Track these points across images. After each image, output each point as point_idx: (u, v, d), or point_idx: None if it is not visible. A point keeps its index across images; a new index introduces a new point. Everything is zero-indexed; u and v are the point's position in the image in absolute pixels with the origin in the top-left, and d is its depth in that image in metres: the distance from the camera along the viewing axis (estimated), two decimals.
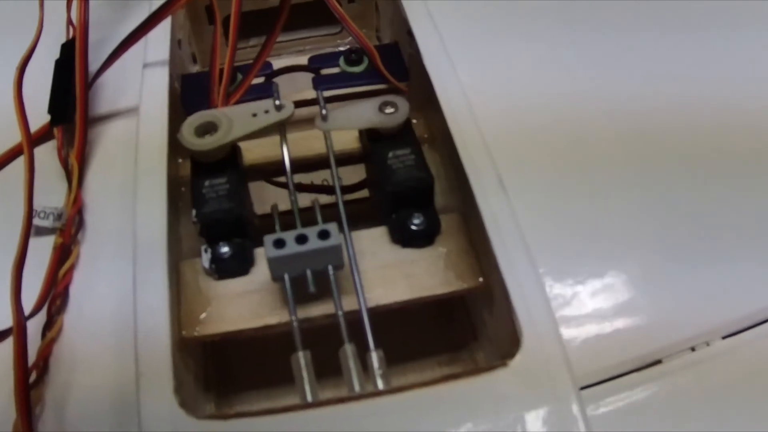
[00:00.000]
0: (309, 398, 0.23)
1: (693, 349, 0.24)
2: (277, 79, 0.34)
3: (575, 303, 0.25)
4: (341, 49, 0.40)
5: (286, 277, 0.24)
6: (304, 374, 0.23)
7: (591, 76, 0.31)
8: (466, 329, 0.31)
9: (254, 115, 0.27)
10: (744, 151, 0.29)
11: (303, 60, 0.36)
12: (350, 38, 0.40)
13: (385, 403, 0.22)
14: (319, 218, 0.26)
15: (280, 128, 0.28)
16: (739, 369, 0.24)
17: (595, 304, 0.25)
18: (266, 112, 0.27)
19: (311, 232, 0.24)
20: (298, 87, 0.35)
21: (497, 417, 0.21)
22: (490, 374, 0.22)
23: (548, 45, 0.32)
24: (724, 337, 0.24)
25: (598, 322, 0.25)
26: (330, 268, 0.25)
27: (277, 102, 0.27)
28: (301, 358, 0.23)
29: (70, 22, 0.31)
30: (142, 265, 0.25)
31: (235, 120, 0.27)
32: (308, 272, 0.24)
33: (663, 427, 0.23)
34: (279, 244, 0.24)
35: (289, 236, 0.24)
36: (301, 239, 0.24)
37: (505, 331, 0.25)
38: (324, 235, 0.24)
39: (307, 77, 0.34)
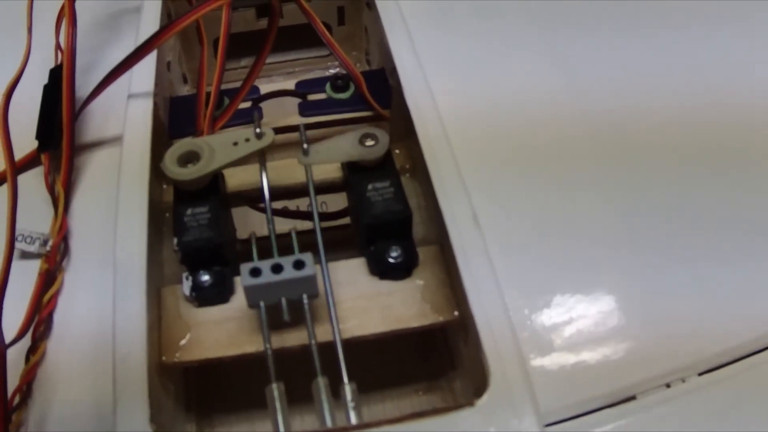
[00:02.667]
0: (281, 430, 0.23)
1: (668, 386, 0.24)
2: (265, 103, 0.34)
3: (545, 339, 0.25)
4: (330, 72, 0.40)
5: (262, 305, 0.25)
6: (277, 405, 0.24)
7: (572, 103, 0.31)
8: (444, 358, 0.31)
9: (235, 143, 0.28)
10: (724, 159, 0.30)
11: (292, 82, 0.36)
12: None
13: None
14: (296, 247, 0.26)
15: (260, 156, 0.28)
16: (715, 406, 0.24)
17: (566, 339, 0.25)
18: (247, 140, 0.28)
19: (287, 261, 0.24)
20: (287, 110, 0.35)
21: None
22: (457, 413, 0.22)
23: (530, 74, 0.32)
24: (700, 374, 0.24)
25: (569, 358, 0.25)
26: (305, 297, 0.25)
27: (258, 130, 0.28)
28: (275, 389, 0.24)
29: (58, 46, 0.31)
30: (121, 291, 0.25)
31: (216, 149, 0.28)
32: (283, 301, 0.25)
33: None
34: (255, 272, 0.24)
35: (265, 265, 0.24)
36: (277, 268, 0.24)
37: (479, 363, 0.25)
38: (299, 264, 0.24)
39: (291, 102, 0.35)
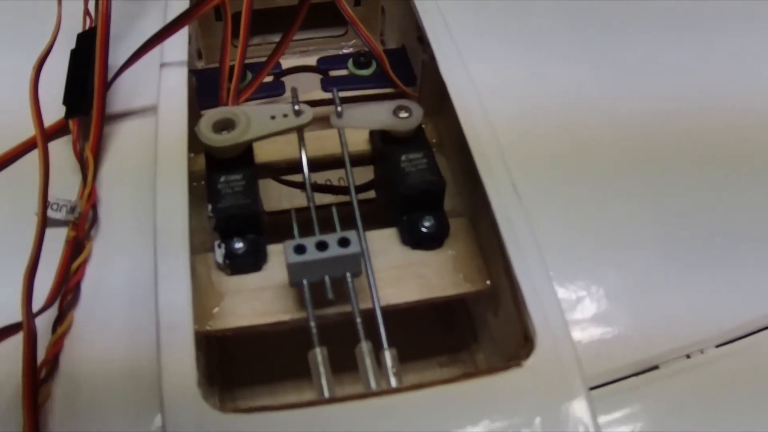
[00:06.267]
0: (326, 394, 0.23)
1: (688, 356, 0.26)
2: (285, 79, 0.34)
3: (582, 307, 0.26)
4: (345, 51, 0.41)
5: (305, 282, 0.25)
6: (321, 370, 0.24)
7: (602, 79, 0.32)
8: (465, 331, 0.31)
9: (273, 117, 0.27)
10: (749, 157, 0.31)
11: (307, 60, 0.36)
12: (354, 40, 0.41)
13: (405, 399, 0.22)
14: (338, 225, 0.26)
15: (298, 132, 0.28)
16: (730, 375, 0.26)
17: (600, 309, 0.26)
18: (285, 116, 0.27)
19: (331, 239, 0.24)
20: (304, 87, 0.35)
21: (512, 415, 0.22)
22: (506, 373, 0.23)
23: (561, 48, 0.33)
24: (717, 346, 0.26)
25: (603, 327, 0.26)
26: (348, 275, 0.25)
27: (296, 107, 0.28)
28: (318, 354, 0.24)
29: (87, 12, 0.31)
30: (163, 258, 0.24)
31: (253, 119, 0.27)
32: (326, 279, 0.24)
33: (659, 427, 0.24)
34: (299, 250, 0.24)
35: (309, 242, 0.24)
36: (322, 246, 0.24)
37: (512, 332, 0.26)
38: (344, 242, 0.24)
39: (313, 78, 0.35)
